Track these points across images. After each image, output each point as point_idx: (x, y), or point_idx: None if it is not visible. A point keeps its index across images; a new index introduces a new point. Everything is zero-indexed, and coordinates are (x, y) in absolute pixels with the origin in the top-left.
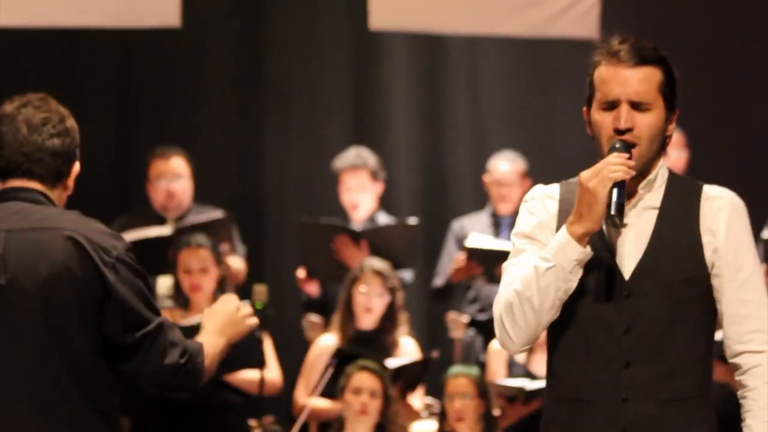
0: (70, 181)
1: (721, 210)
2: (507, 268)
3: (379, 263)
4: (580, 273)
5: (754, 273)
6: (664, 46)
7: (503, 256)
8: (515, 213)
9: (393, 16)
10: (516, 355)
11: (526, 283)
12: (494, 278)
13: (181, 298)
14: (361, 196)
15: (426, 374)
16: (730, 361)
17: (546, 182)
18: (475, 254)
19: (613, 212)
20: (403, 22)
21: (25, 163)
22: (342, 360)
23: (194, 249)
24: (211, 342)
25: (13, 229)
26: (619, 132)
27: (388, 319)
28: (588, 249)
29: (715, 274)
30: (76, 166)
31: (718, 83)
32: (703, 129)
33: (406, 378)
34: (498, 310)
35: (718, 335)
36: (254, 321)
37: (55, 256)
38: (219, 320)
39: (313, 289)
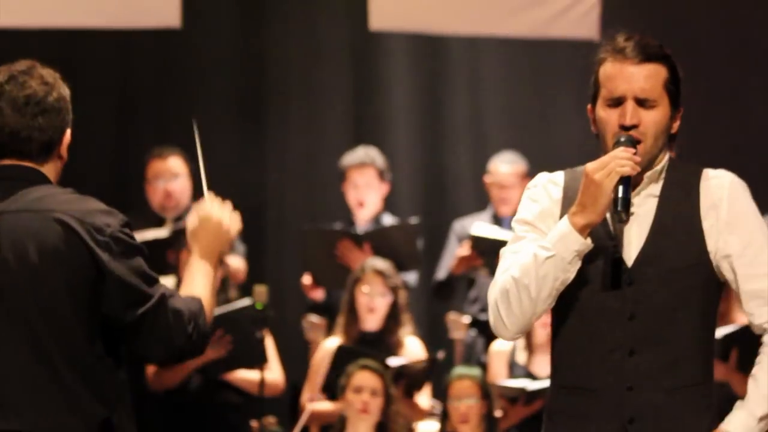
0: (63, 150)
1: (721, 187)
2: (505, 254)
3: (380, 263)
4: (579, 264)
5: (763, 246)
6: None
7: None
8: (516, 214)
9: (393, 17)
10: (517, 357)
11: (525, 270)
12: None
13: None
14: (367, 193)
15: (432, 374)
16: (756, 332)
17: None
18: (479, 243)
19: (619, 208)
20: (403, 22)
21: (13, 144)
22: (343, 358)
23: None
24: (204, 272)
25: (5, 210)
26: (624, 128)
27: (392, 319)
28: (588, 241)
29: (723, 255)
30: (67, 135)
31: (717, 83)
32: (702, 128)
33: (409, 377)
34: (493, 295)
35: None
36: (237, 221)
37: (45, 239)
38: (205, 241)
39: (318, 295)
